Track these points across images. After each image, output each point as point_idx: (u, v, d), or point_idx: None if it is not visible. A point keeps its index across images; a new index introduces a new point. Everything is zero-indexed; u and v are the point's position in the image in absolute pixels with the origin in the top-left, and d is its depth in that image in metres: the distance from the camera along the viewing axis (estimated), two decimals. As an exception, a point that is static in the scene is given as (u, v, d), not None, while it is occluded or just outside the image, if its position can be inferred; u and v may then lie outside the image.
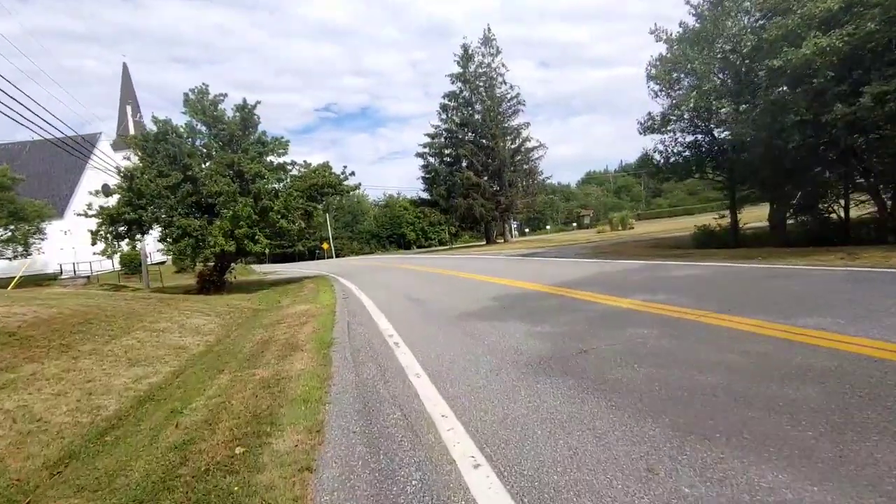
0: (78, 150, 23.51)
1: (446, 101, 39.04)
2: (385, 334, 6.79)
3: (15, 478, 3.22)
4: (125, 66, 40.87)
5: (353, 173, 22.15)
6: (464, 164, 38.32)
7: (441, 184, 38.21)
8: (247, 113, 19.74)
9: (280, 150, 20.15)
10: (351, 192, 22.36)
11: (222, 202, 17.61)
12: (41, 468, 3.38)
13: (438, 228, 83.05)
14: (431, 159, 39.87)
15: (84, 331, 7.55)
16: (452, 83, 38.86)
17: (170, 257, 18.27)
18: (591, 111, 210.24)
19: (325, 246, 61.31)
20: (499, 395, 3.74)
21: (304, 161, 21.47)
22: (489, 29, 38.34)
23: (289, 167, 20.86)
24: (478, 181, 35.20)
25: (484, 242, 40.88)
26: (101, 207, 16.92)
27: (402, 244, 78.01)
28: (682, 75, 14.21)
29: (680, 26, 14.23)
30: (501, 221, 38.57)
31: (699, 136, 14.80)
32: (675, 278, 8.70)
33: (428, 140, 39.55)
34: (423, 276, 15.43)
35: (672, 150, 15.40)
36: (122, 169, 17.04)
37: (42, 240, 30.08)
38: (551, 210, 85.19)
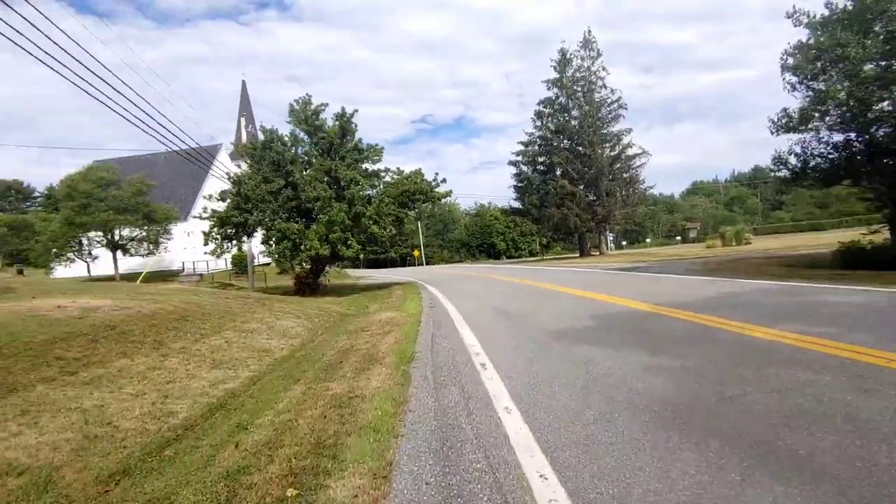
0: (201, 160, 25.83)
1: (541, 108, 37.90)
2: (471, 351, 6.08)
3: (63, 493, 2.92)
4: (244, 84, 44.74)
5: (444, 180, 21.91)
6: (558, 172, 36.81)
7: (534, 192, 36.97)
8: (345, 121, 20.27)
9: (374, 158, 20.44)
10: (442, 200, 22.15)
11: (319, 207, 18.13)
12: (93, 483, 3.08)
13: (529, 239, 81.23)
14: (524, 167, 38.82)
15: (178, 328, 7.71)
16: (548, 89, 37.67)
17: (272, 259, 19.22)
18: (699, 118, 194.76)
19: (415, 253, 62.43)
20: (616, 453, 2.84)
21: (398, 168, 21.65)
22: (589, 31, 36.67)
23: (382, 174, 21.13)
24: (573, 190, 33.52)
25: (577, 255, 38.87)
26: (213, 211, 18.17)
27: (492, 254, 77.31)
28: (828, 64, 12.03)
29: (827, 7, 12.10)
30: (597, 233, 36.34)
31: (851, 136, 12.41)
32: (833, 305, 7.03)
33: (521, 148, 38.63)
34: (514, 288, 14.58)
35: (813, 153, 13.10)
36: (232, 175, 18.21)
37: (168, 239, 33.60)
38: (652, 222, 79.64)
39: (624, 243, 65.31)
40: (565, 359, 5.17)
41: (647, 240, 66.85)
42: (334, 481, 2.82)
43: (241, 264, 32.51)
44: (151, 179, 32.75)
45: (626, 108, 34.80)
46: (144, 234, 31.85)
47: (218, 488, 2.90)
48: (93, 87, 11.01)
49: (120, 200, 28.96)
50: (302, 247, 17.99)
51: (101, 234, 30.74)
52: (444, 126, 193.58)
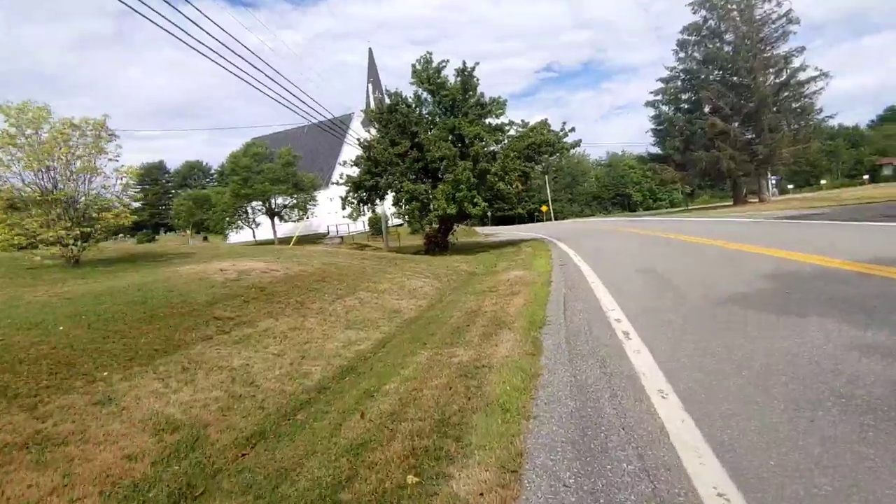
0: (336, 130, 27.44)
1: (685, 37, 32.94)
2: (610, 317, 5.41)
3: (206, 453, 3.04)
4: (370, 52, 46.02)
5: (572, 129, 20.41)
6: (706, 109, 32.13)
7: (676, 135, 32.84)
8: (466, 76, 19.70)
9: (498, 111, 19.69)
10: (570, 151, 20.66)
11: (445, 167, 18.10)
12: (232, 445, 3.20)
13: (670, 188, 73.83)
14: (664, 108, 34.59)
15: (318, 289, 8.15)
16: (694, 12, 32.48)
17: (402, 220, 19.92)
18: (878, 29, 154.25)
19: (543, 209, 60.71)
20: (826, 467, 2.08)
21: (522, 120, 20.63)
22: (750, -68, 30.39)
23: (506, 127, 20.32)
24: (725, 128, 28.89)
25: (731, 203, 34.11)
26: (347, 176, 19.20)
27: (628, 206, 72.15)
28: None
29: None
30: (757, 176, 31.18)
31: None
32: None
33: (660, 86, 34.30)
34: (657, 243, 13.09)
35: None
36: (362, 140, 18.92)
37: (314, 205, 36.96)
38: (829, 160, 66.74)
39: (791, 187, 55.74)
40: (732, 327, 4.25)
41: (823, 181, 56.24)
42: (457, 470, 2.50)
43: (377, 226, 34.58)
44: (297, 151, 35.96)
45: (797, 23, 28.55)
46: (294, 201, 35.37)
47: (341, 463, 2.79)
48: (243, 71, 11.98)
49: (273, 172, 32.40)
50: (430, 207, 18.22)
51: (260, 203, 35.03)
52: (570, 73, 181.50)
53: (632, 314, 5.40)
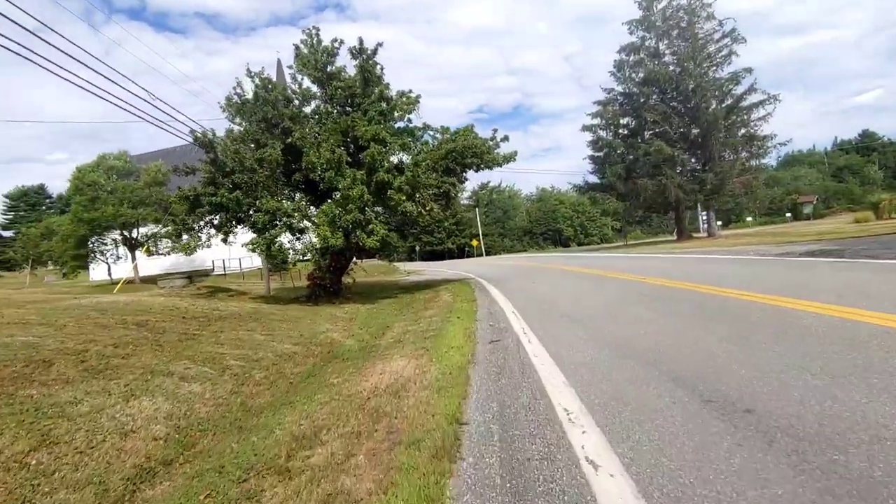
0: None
1: (622, 56, 30.24)
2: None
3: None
4: (279, 63, 40.26)
5: (505, 138, 15.78)
6: (647, 134, 29.25)
7: (617, 162, 29.63)
8: (365, 62, 14.54)
9: (406, 107, 14.57)
10: (504, 164, 15.81)
11: (328, 178, 12.54)
12: None
13: (600, 223, 72.81)
14: (602, 132, 31.46)
15: None
16: (631, 32, 29.98)
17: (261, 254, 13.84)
18: (780, 87, 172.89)
19: (474, 243, 56.55)
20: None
21: (441, 126, 15.71)
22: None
23: (419, 132, 15.28)
24: (671, 153, 25.83)
25: (674, 238, 31.17)
26: (179, 189, 13.13)
27: (559, 241, 69.94)
28: None
29: None
30: (705, 209, 28.33)
31: None
32: None
33: (597, 108, 31.20)
34: (638, 289, 8.24)
35: None
36: (198, 134, 12.90)
37: (196, 236, 29.74)
38: (748, 198, 68.43)
39: (719, 223, 55.35)
40: None
41: (749, 219, 56.57)
42: None
43: (276, 260, 28.15)
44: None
45: (743, 42, 26.40)
46: (166, 230, 28.03)
47: None
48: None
49: (131, 192, 25.29)
50: (303, 235, 12.57)
51: (120, 232, 27.46)
52: (501, 115, 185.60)
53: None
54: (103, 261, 29.15)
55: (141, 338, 6.27)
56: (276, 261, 12.85)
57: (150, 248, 28.42)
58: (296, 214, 12.39)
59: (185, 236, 13.30)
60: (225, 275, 31.00)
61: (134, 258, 27.96)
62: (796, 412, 2.59)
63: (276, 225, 12.77)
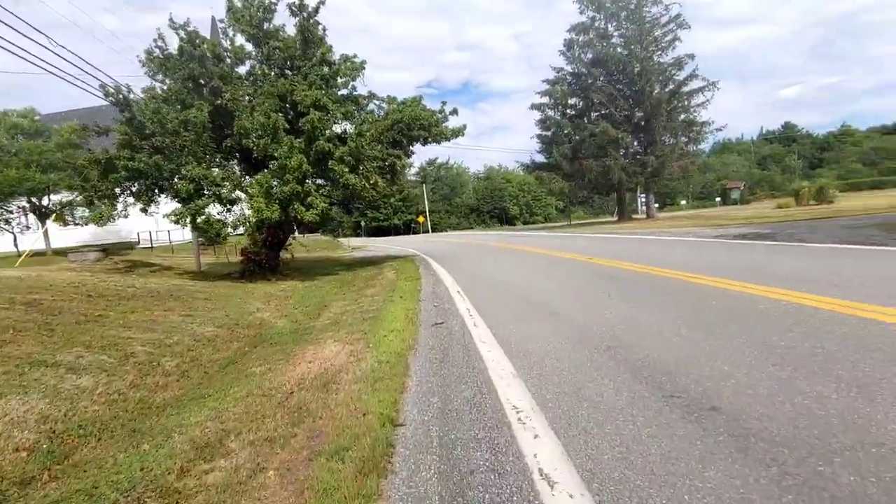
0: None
1: (572, 36, 30.18)
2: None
3: None
4: (213, 21, 37.18)
5: (454, 112, 15.25)
6: (593, 115, 29.57)
7: (564, 142, 29.82)
8: (305, 19, 13.40)
9: (349, 73, 13.63)
10: (452, 138, 15.27)
11: (262, 146, 11.54)
12: None
13: (544, 203, 74.14)
14: (551, 112, 31.48)
15: None
16: (581, 12, 29.89)
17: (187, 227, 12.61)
18: (716, 78, 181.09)
19: (420, 219, 55.99)
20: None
21: (388, 96, 14.91)
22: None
23: (364, 101, 14.41)
24: (616, 136, 26.26)
25: (615, 218, 32.03)
26: (89, 152, 11.70)
27: (505, 219, 70.64)
28: None
29: None
30: (646, 191, 29.20)
31: None
32: None
33: (546, 87, 31.12)
34: (582, 269, 8.12)
35: None
36: (111, 89, 11.42)
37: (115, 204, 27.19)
38: (681, 183, 71.89)
39: (655, 206, 57.74)
40: None
41: (683, 202, 59.40)
42: None
43: (208, 234, 26.35)
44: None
45: (687, 28, 26.97)
46: (80, 197, 25.41)
47: None
48: None
49: (38, 154, 22.63)
50: (233, 206, 11.58)
51: (27, 199, 24.64)
52: (450, 91, 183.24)
53: None
54: (8, 230, 26.17)
55: (27, 320, 5.37)
56: (208, 234, 11.70)
57: (65, 217, 25.73)
58: (225, 184, 11.33)
59: (96, 204, 11.86)
60: (152, 248, 28.76)
61: (45, 228, 25.19)
62: (768, 412, 2.34)
63: (204, 195, 11.65)
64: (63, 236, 28.71)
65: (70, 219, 26.51)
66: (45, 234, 24.17)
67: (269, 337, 6.11)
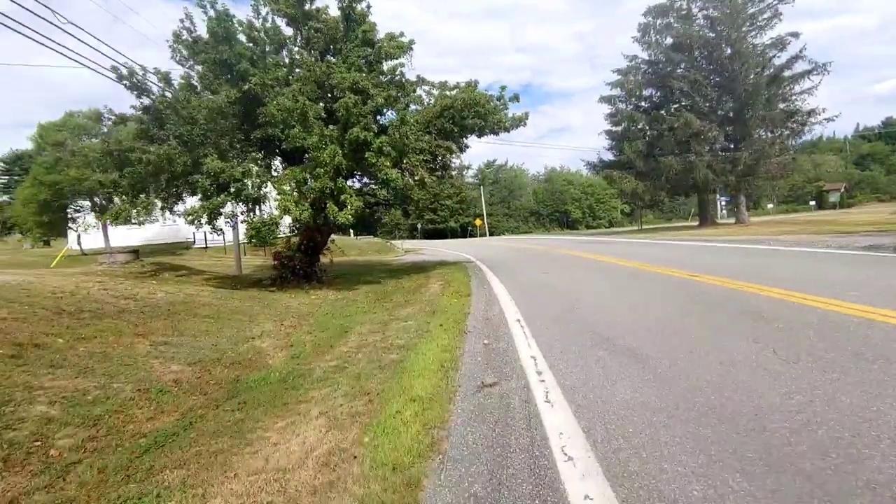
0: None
1: (649, 20, 26.99)
2: None
3: None
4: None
5: (515, 98, 13.19)
6: (673, 107, 26.25)
7: (637, 137, 26.68)
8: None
9: (396, 53, 11.83)
10: (511, 129, 13.06)
11: (291, 135, 9.94)
12: None
13: (609, 206, 69.68)
14: (622, 104, 28.40)
15: None
16: (657, -6, 26.62)
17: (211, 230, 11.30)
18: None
19: (477, 223, 53.95)
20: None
21: (440, 81, 13.03)
22: None
23: (410, 86, 12.55)
24: (701, 128, 22.86)
25: (695, 223, 28.39)
26: (103, 141, 10.62)
27: (566, 223, 67.05)
28: None
29: None
30: (736, 192, 25.37)
31: None
32: None
33: (617, 77, 28.07)
34: (698, 293, 5.71)
35: None
36: (127, 71, 10.21)
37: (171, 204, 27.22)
38: (769, 184, 65.11)
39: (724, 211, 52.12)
40: None
41: (770, 206, 53.41)
42: None
43: (259, 234, 25.64)
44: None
45: (790, 2, 23.08)
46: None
47: None
48: None
49: (93, 153, 22.65)
50: (254, 204, 10.11)
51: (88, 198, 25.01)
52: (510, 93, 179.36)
53: None
54: (73, 229, 26.85)
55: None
56: (258, 235, 10.18)
57: (115, 217, 25.96)
58: (247, 180, 9.84)
59: (115, 201, 10.80)
60: (206, 248, 28.58)
61: (105, 229, 25.44)
62: None
63: (230, 191, 10.25)
64: (126, 236, 29.02)
65: (133, 219, 26.78)
66: (79, 235, 24.18)
67: (246, 387, 4.30)
